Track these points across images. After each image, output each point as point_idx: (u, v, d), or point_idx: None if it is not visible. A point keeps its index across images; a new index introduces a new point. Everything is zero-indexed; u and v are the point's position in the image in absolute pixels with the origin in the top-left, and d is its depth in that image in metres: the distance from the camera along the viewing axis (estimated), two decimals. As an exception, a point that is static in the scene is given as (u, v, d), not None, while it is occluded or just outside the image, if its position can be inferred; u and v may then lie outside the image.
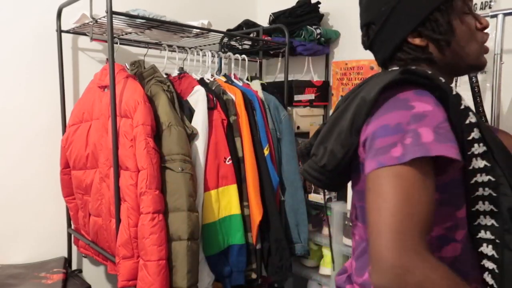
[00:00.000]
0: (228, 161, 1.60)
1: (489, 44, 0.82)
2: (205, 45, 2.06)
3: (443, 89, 0.69)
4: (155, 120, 1.45)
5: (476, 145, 0.69)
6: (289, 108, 2.05)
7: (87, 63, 1.87)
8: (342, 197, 1.89)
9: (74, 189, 1.74)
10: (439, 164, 0.65)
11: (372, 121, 0.70)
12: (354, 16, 2.08)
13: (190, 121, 1.56)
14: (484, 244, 0.70)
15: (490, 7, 1.61)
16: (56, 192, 1.79)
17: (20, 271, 1.61)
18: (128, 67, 1.67)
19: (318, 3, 2.13)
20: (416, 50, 0.78)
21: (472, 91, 1.39)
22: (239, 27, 2.24)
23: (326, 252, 1.93)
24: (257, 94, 1.82)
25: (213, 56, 1.86)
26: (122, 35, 1.71)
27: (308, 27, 2.05)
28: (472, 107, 1.37)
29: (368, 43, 0.85)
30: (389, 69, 0.80)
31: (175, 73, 1.76)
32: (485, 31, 0.79)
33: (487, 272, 0.71)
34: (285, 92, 2.03)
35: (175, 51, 1.77)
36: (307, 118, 2.12)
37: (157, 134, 1.45)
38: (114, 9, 1.37)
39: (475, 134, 0.68)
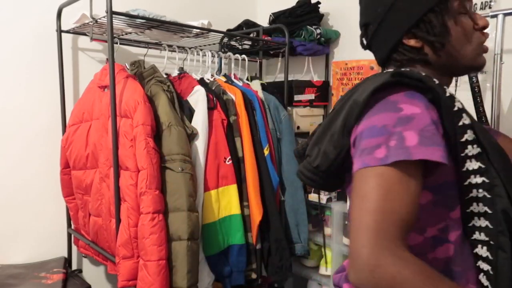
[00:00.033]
0: (228, 161, 1.60)
1: (489, 44, 0.82)
2: (205, 45, 2.06)
3: (436, 91, 0.69)
4: (155, 120, 1.45)
5: (469, 146, 0.69)
6: (289, 108, 2.05)
7: (87, 63, 1.88)
8: (342, 197, 1.89)
9: (74, 189, 1.74)
10: (428, 166, 0.66)
11: (362, 122, 0.70)
12: (354, 16, 2.08)
13: (190, 121, 1.57)
14: (479, 246, 0.70)
15: (490, 7, 1.61)
16: (56, 192, 1.79)
17: (20, 271, 1.61)
18: (128, 67, 1.67)
19: (318, 3, 2.13)
20: (411, 51, 0.78)
21: (472, 91, 1.40)
22: (239, 27, 2.24)
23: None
24: (257, 94, 1.82)
25: (213, 56, 1.86)
26: (122, 35, 1.71)
27: (308, 27, 2.05)
28: (472, 107, 1.38)
29: (366, 44, 0.85)
30: (385, 70, 0.80)
31: (175, 73, 1.76)
32: (485, 31, 0.78)
33: (482, 273, 0.71)
34: (285, 92, 2.03)
35: (175, 51, 1.77)
36: (307, 118, 2.12)
37: (157, 134, 1.45)
38: (114, 9, 1.37)
39: (468, 135, 0.68)
